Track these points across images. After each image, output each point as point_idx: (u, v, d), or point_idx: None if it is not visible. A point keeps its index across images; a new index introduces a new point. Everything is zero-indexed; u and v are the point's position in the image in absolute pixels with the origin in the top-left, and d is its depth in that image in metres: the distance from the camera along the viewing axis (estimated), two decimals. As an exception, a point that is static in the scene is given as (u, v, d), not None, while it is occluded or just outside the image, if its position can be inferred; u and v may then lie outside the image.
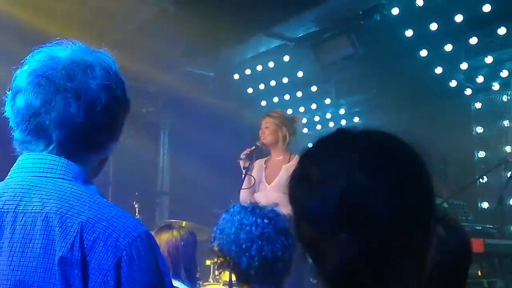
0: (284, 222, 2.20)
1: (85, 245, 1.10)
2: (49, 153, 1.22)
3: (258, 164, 4.68)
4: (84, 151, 1.25)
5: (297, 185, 0.99)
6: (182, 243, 2.95)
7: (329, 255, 0.91)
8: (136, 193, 5.97)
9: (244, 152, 4.60)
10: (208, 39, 5.78)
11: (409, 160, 0.96)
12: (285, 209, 4.13)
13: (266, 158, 4.71)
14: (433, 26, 5.23)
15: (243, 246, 2.10)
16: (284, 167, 4.52)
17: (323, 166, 0.95)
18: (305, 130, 7.47)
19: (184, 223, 4.55)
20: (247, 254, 2.10)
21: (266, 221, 2.13)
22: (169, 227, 3.10)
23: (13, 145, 1.27)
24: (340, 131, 1.01)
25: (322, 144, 1.01)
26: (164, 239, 2.91)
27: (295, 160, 4.53)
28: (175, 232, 2.98)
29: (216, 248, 2.19)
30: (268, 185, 4.51)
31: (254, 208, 2.19)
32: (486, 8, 4.90)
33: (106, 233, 1.12)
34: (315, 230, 0.94)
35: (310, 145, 1.03)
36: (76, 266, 1.09)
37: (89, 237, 1.11)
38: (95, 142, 1.26)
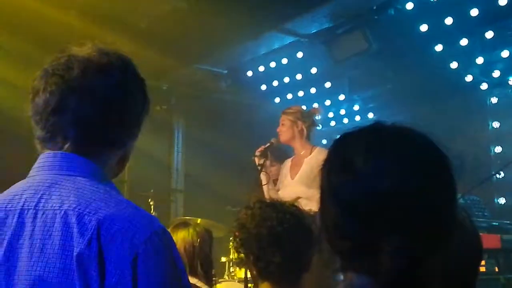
0: (305, 218, 2.19)
1: (103, 242, 1.11)
2: (65, 151, 1.25)
3: (285, 163, 4.67)
4: (100, 149, 1.27)
5: (337, 175, 0.98)
6: (198, 240, 2.96)
7: (381, 259, 0.91)
8: (151, 191, 6.01)
9: (259, 149, 4.59)
10: (221, 36, 5.78)
11: (448, 167, 0.98)
12: (308, 203, 4.12)
13: (292, 157, 4.70)
14: (448, 21, 5.18)
15: (264, 242, 2.09)
16: (305, 160, 4.49)
17: (374, 160, 0.95)
18: (319, 127, 7.45)
19: (199, 220, 4.55)
20: (268, 249, 2.09)
21: (287, 216, 2.12)
22: (185, 224, 3.11)
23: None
24: (379, 125, 1.00)
25: (368, 138, 1.00)
26: (180, 237, 2.92)
27: (316, 152, 4.50)
28: (191, 230, 2.99)
29: (236, 244, 2.19)
30: (292, 180, 4.51)
31: (275, 204, 2.18)
32: (502, 1, 4.84)
33: (123, 230, 1.13)
34: (361, 228, 0.94)
35: (345, 136, 1.02)
36: (93, 262, 1.10)
37: (106, 233, 1.12)
38: (110, 140, 1.27)
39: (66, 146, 1.24)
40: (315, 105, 5.87)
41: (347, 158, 0.97)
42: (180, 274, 1.18)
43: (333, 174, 0.99)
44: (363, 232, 0.93)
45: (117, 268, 1.10)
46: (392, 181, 0.92)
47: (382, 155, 0.95)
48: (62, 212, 1.16)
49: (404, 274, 0.91)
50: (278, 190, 4.57)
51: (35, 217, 1.18)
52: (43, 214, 1.17)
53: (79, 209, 1.15)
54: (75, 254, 1.11)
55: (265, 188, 4.54)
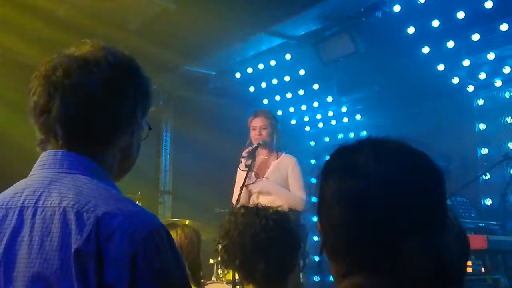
0: (289, 223, 2.20)
1: (101, 238, 1.11)
2: (58, 148, 1.26)
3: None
4: (91, 147, 1.27)
5: (345, 179, 1.00)
6: (187, 241, 2.95)
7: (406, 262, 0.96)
8: (139, 192, 5.98)
9: (246, 150, 4.61)
10: (210, 37, 5.77)
11: (434, 179, 1.02)
12: (279, 202, 4.18)
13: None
14: (435, 23, 5.22)
15: (248, 249, 2.09)
16: (274, 163, 4.64)
17: (385, 165, 0.99)
18: (307, 129, 7.47)
19: (187, 222, 4.55)
20: (252, 256, 2.09)
21: (270, 223, 2.12)
22: (173, 225, 3.10)
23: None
24: (373, 138, 1.05)
25: (373, 145, 1.03)
26: (168, 238, 2.90)
27: (283, 156, 4.62)
28: (179, 231, 2.98)
29: (221, 251, 2.19)
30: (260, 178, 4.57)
31: (258, 210, 2.18)
32: (488, 4, 4.89)
33: (122, 227, 1.13)
34: (372, 229, 0.97)
35: (347, 145, 1.06)
36: (92, 259, 1.10)
37: (105, 230, 1.12)
38: (99, 138, 1.27)
39: (59, 145, 1.25)
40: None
41: (360, 163, 1.00)
42: (180, 271, 1.19)
43: (342, 180, 1.00)
44: (374, 236, 0.95)
45: (116, 265, 1.10)
46: (399, 187, 0.96)
47: (390, 161, 0.99)
48: (61, 209, 1.16)
49: (422, 274, 0.95)
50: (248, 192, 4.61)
51: (34, 214, 1.18)
52: (42, 211, 1.18)
53: (78, 206, 1.15)
54: (73, 250, 1.11)
55: (243, 189, 4.53)
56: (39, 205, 1.19)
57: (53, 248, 1.13)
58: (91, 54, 1.28)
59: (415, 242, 0.94)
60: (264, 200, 4.29)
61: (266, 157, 4.70)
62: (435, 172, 1.01)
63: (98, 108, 1.24)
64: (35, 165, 1.28)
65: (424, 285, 0.96)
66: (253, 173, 4.60)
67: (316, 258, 4.91)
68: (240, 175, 4.62)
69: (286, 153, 4.74)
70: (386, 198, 0.95)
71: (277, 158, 4.66)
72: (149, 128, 1.40)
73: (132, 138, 1.33)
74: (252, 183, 4.61)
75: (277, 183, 4.55)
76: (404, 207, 0.95)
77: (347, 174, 0.99)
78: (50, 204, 1.18)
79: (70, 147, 1.25)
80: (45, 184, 1.22)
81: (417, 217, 0.95)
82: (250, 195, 4.61)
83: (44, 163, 1.26)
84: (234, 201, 4.57)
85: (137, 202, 5.58)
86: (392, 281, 0.95)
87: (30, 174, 1.28)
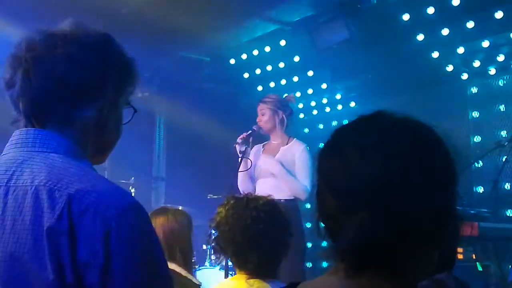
0: (279, 214, 2.20)
1: (73, 216, 1.10)
2: (26, 126, 1.25)
3: (256, 148, 4.69)
4: (57, 122, 1.24)
5: (329, 156, 0.99)
6: (178, 226, 2.94)
7: (345, 230, 0.92)
8: (132, 178, 5.98)
9: (241, 137, 4.60)
10: (204, 23, 5.74)
11: (444, 156, 0.98)
12: (282, 188, 4.17)
13: (264, 143, 4.72)
14: (430, 10, 5.21)
15: (240, 242, 2.10)
16: (282, 149, 4.54)
17: (360, 145, 0.96)
18: (301, 116, 7.47)
19: (180, 208, 4.55)
20: (244, 249, 2.10)
21: (262, 214, 2.12)
22: (164, 210, 3.10)
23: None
24: (381, 114, 1.01)
25: (362, 124, 1.01)
26: (159, 223, 2.90)
27: (293, 143, 4.54)
28: (170, 215, 2.97)
29: (213, 242, 2.19)
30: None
31: (248, 201, 2.17)
32: (483, -9, 4.88)
33: (95, 204, 1.11)
34: (338, 203, 0.95)
35: (346, 121, 1.04)
36: (64, 236, 1.09)
37: (77, 208, 1.10)
38: (60, 111, 1.25)
39: (25, 121, 1.24)
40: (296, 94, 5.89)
41: (339, 141, 0.99)
42: (154, 248, 1.17)
43: (330, 164, 0.99)
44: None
45: (89, 243, 1.09)
46: (390, 170, 0.93)
47: (367, 141, 0.96)
48: (33, 188, 1.14)
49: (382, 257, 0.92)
50: (251, 177, 4.59)
51: (6, 194, 1.17)
52: (14, 190, 1.16)
53: (49, 184, 1.14)
54: (45, 228, 1.10)
55: (240, 175, 4.56)
56: (11, 184, 1.17)
57: (25, 227, 1.11)
58: (60, 30, 1.26)
59: (362, 217, 0.91)
60: (266, 186, 4.29)
61: (275, 142, 4.60)
62: (431, 158, 0.97)
63: (58, 82, 1.22)
64: (7, 144, 1.26)
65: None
66: (254, 162, 4.57)
67: (309, 245, 4.92)
68: (244, 161, 4.60)
69: (297, 139, 4.62)
70: (351, 173, 0.94)
71: (287, 144, 4.56)
72: (134, 111, 1.38)
73: (101, 115, 1.28)
74: (254, 177, 4.58)
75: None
76: (382, 191, 0.92)
77: (331, 157, 0.99)
78: (22, 183, 1.16)
79: (38, 123, 1.24)
80: (17, 163, 1.20)
81: (394, 206, 0.91)
82: (253, 179, 4.59)
83: (16, 142, 1.24)
84: (239, 186, 4.56)
85: (130, 188, 5.58)
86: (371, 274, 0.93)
87: (2, 154, 1.26)
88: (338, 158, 0.96)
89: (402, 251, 0.92)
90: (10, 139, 1.27)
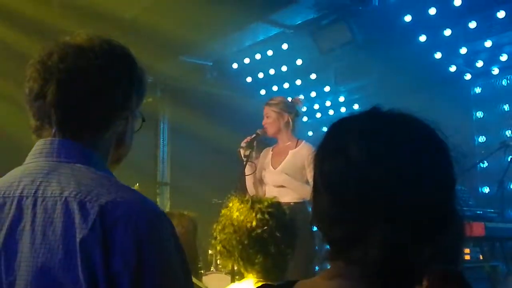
0: (284, 215, 2.19)
1: (106, 227, 1.11)
2: (53, 136, 1.25)
3: (266, 151, 4.67)
4: (86, 132, 1.26)
5: (331, 157, 0.98)
6: (183, 231, 2.94)
7: (367, 244, 0.91)
8: (137, 184, 5.97)
9: (245, 141, 4.58)
10: (206, 28, 5.74)
11: (448, 158, 0.98)
12: (290, 192, 4.17)
13: (273, 146, 4.69)
14: (432, 11, 5.21)
15: (246, 245, 2.09)
16: (291, 152, 4.48)
17: (370, 148, 0.94)
18: (305, 119, 7.46)
19: (185, 213, 4.55)
20: (250, 251, 2.09)
21: (267, 216, 2.12)
22: (169, 215, 3.08)
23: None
24: (379, 112, 1.01)
25: (364, 122, 0.99)
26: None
27: (302, 145, 4.51)
28: (175, 220, 2.97)
29: (218, 245, 2.19)
30: (274, 170, 4.50)
31: (254, 203, 2.17)
32: (485, -9, 4.88)
33: (126, 215, 1.13)
34: (336, 204, 0.95)
35: (340, 122, 1.03)
36: (97, 247, 1.10)
37: (109, 219, 1.12)
38: (93, 122, 1.27)
39: (53, 131, 1.25)
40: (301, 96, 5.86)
41: (340, 144, 0.97)
42: (183, 257, 1.20)
43: (325, 161, 0.98)
44: (353, 221, 0.92)
45: (121, 253, 1.10)
46: (385, 169, 0.92)
47: (375, 142, 0.95)
48: (63, 199, 1.15)
49: (390, 264, 0.91)
50: (259, 180, 4.58)
51: (34, 205, 1.17)
52: (43, 201, 1.17)
53: (80, 196, 1.15)
54: (78, 240, 1.10)
55: (248, 179, 4.55)
56: (39, 195, 1.18)
57: (56, 239, 1.12)
58: (86, 42, 1.28)
59: (384, 231, 0.90)
60: (275, 190, 4.29)
61: (284, 145, 4.55)
62: (430, 154, 0.97)
63: (93, 93, 1.24)
64: (31, 153, 1.27)
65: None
66: (263, 165, 4.56)
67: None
68: (249, 165, 4.59)
69: (306, 142, 4.56)
70: (363, 181, 0.93)
71: (296, 147, 4.51)
72: (142, 120, 1.40)
73: (126, 126, 1.32)
74: (261, 178, 4.58)
75: (291, 172, 4.42)
76: (378, 191, 0.92)
77: (330, 156, 0.98)
78: (51, 194, 1.17)
79: (65, 133, 1.24)
80: (43, 173, 1.21)
81: (388, 205, 0.92)
82: (262, 182, 4.58)
83: (40, 152, 1.25)
84: (248, 189, 4.55)
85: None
86: (362, 269, 0.93)
87: (25, 163, 1.26)
88: (343, 159, 0.95)
89: (413, 253, 0.92)
90: (34, 148, 1.27)
